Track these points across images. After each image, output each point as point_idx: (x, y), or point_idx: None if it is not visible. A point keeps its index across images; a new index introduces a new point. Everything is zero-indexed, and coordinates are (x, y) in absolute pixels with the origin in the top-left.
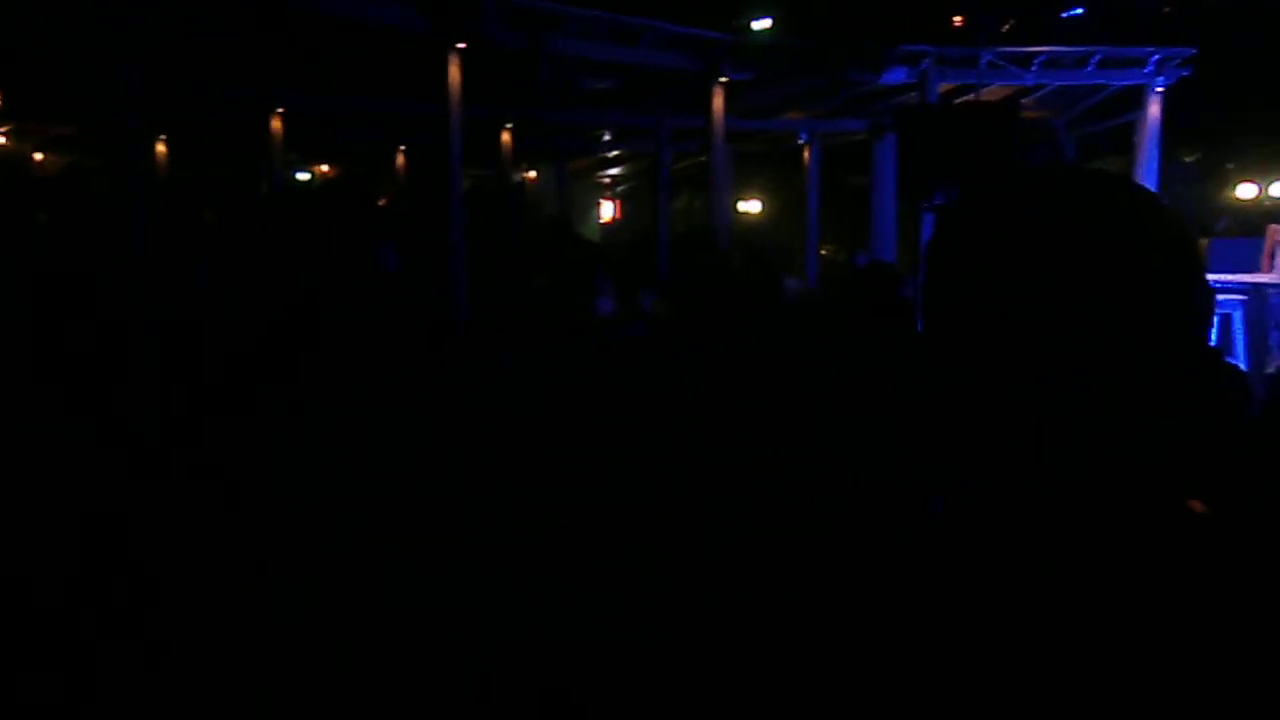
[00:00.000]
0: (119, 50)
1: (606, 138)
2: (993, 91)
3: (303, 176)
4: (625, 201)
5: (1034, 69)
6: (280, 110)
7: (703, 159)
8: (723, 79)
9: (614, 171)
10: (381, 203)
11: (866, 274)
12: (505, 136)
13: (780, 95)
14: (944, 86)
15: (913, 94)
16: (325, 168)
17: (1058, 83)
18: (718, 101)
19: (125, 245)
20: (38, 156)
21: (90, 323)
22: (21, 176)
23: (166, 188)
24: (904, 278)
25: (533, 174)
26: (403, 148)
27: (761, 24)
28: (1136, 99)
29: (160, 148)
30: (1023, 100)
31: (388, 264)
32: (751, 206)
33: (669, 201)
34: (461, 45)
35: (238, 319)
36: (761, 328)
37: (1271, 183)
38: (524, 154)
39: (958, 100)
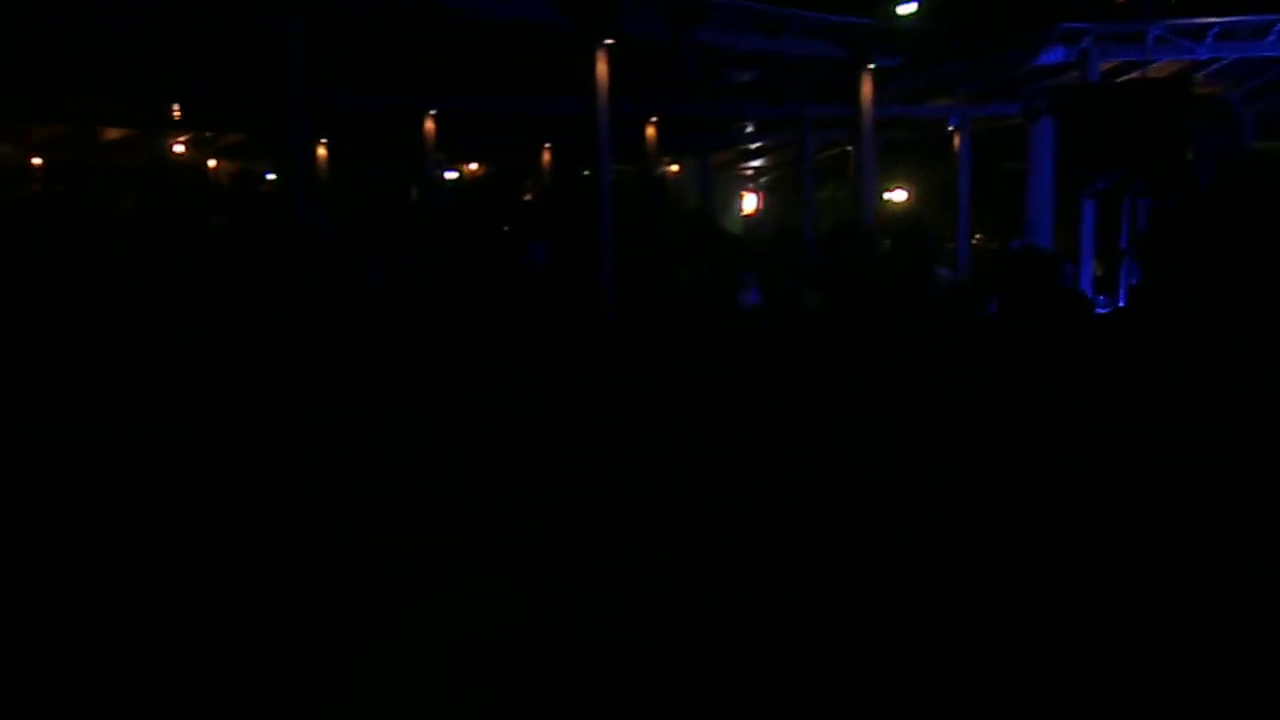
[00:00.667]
0: (283, 59)
1: (749, 129)
2: (1160, 68)
3: (449, 176)
4: (768, 193)
5: (1207, 42)
6: (433, 113)
7: (847, 148)
8: (870, 65)
9: (756, 163)
10: (527, 199)
11: (1019, 258)
12: (650, 131)
13: (929, 80)
14: (1106, 65)
15: (1073, 73)
16: (473, 166)
17: (1234, 55)
18: (866, 89)
19: (292, 243)
20: (211, 163)
21: (266, 316)
22: (199, 182)
23: (328, 189)
24: (1062, 264)
25: (675, 167)
26: (548, 145)
27: (907, 8)
28: None
29: (320, 151)
30: (1194, 76)
31: (538, 258)
32: (897, 195)
33: (813, 192)
34: (609, 42)
35: (402, 312)
36: (914, 318)
37: None
38: (666, 148)
39: (1121, 79)
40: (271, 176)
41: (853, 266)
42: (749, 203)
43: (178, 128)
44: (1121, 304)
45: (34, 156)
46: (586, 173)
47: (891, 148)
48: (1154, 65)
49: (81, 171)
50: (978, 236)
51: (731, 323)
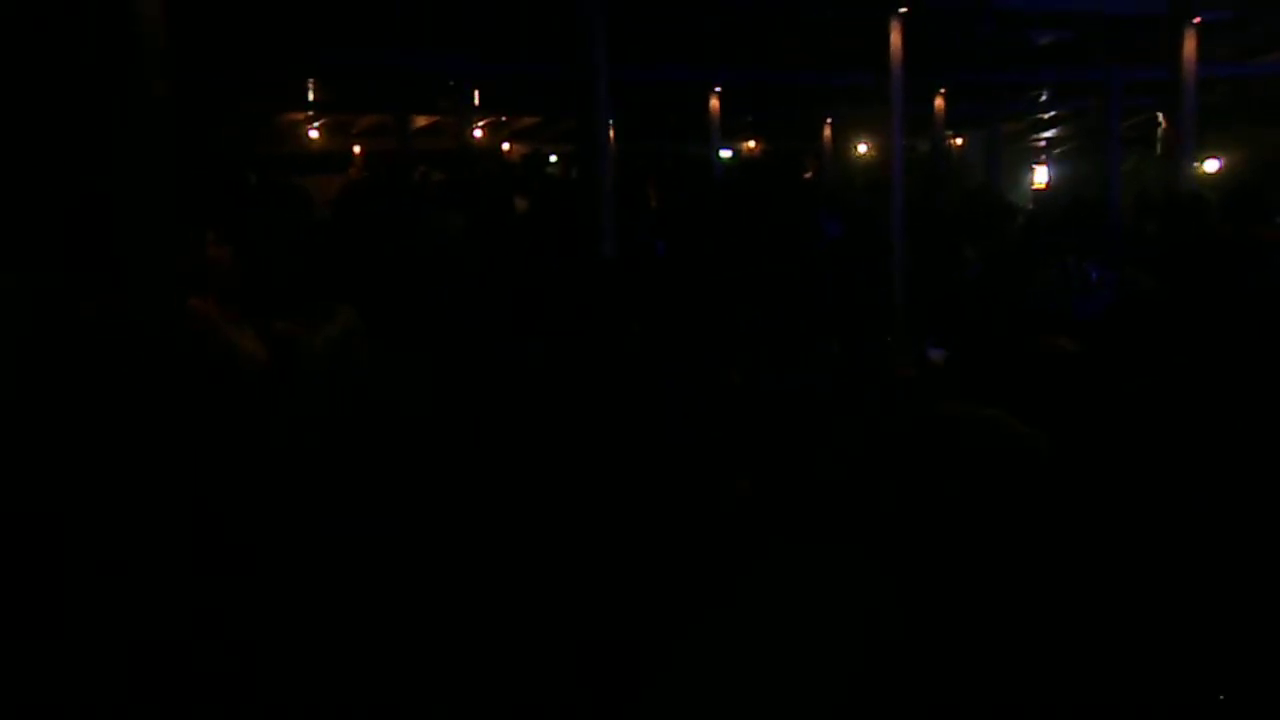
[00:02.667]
0: (573, 43)
1: (1042, 97)
2: None
3: (725, 154)
4: (1060, 165)
5: None
6: (718, 89)
7: (1155, 115)
8: (1195, 20)
9: (1049, 134)
10: (808, 176)
11: None
12: (938, 102)
13: (1263, 35)
14: None
15: None
16: (751, 144)
17: None
18: (1189, 47)
19: (594, 227)
20: (505, 147)
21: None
22: (500, 166)
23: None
24: None
25: (958, 140)
26: (829, 119)
27: None
28: None
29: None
30: None
31: (830, 232)
32: (1208, 165)
33: (1118, 163)
34: (903, 10)
35: (697, 290)
36: (1264, 295)
37: None
38: (953, 119)
39: None
40: (554, 158)
41: (1189, 242)
42: (1040, 175)
43: (478, 113)
44: None
45: (354, 144)
46: (863, 148)
47: (1207, 112)
48: None
49: (395, 157)
50: None
51: (1036, 305)
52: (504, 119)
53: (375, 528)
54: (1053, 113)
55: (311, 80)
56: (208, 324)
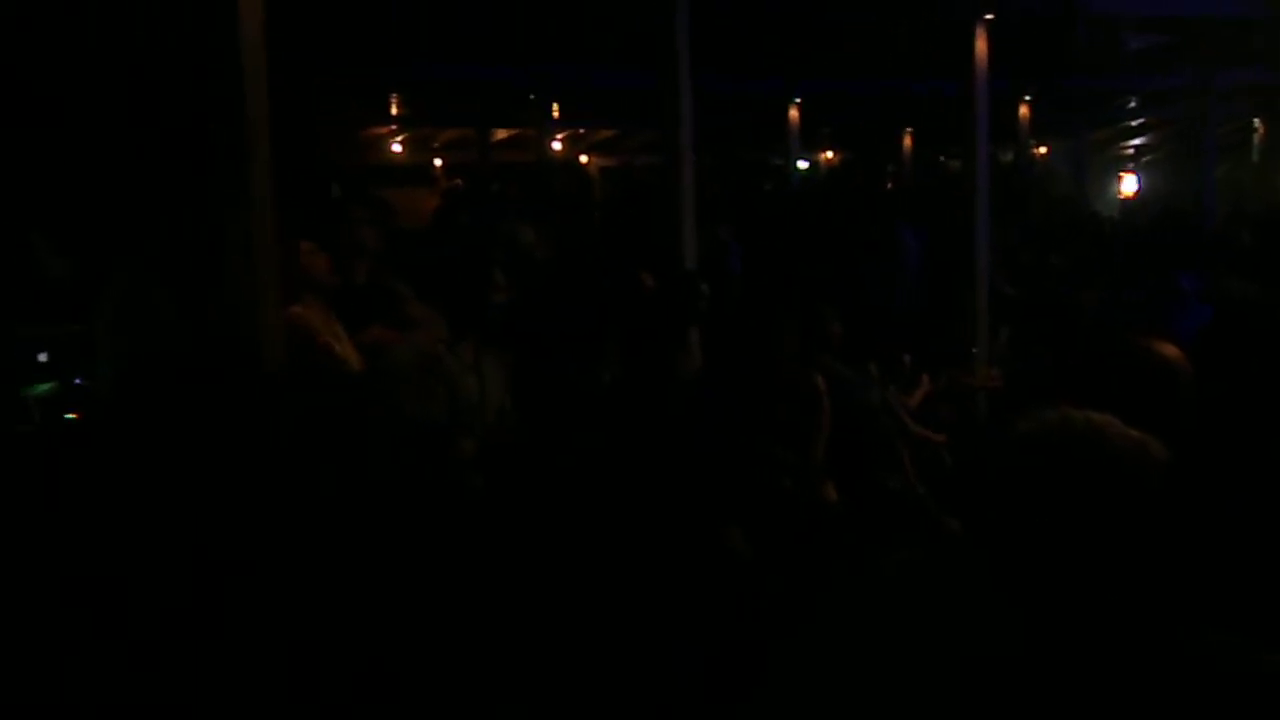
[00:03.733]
0: (656, 55)
1: (1131, 104)
2: None
3: (802, 165)
4: (1149, 174)
5: None
6: (798, 100)
7: (1251, 120)
8: None
9: (1137, 142)
10: (888, 186)
11: None
12: (1023, 110)
13: None
14: None
15: None
16: (829, 154)
17: None
18: None
19: (675, 234)
20: (583, 159)
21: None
22: (578, 179)
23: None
24: None
25: (1042, 149)
26: (909, 129)
27: None
28: None
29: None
30: None
31: (911, 242)
32: None
33: (1213, 170)
34: (989, 16)
35: (768, 303)
36: None
37: None
38: (1038, 128)
39: None
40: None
41: None
42: (1128, 185)
43: (558, 126)
44: None
45: (435, 158)
46: (942, 158)
47: None
48: None
49: (475, 169)
50: None
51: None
52: (581, 131)
53: (465, 530)
54: (1142, 119)
55: (395, 94)
56: (307, 333)
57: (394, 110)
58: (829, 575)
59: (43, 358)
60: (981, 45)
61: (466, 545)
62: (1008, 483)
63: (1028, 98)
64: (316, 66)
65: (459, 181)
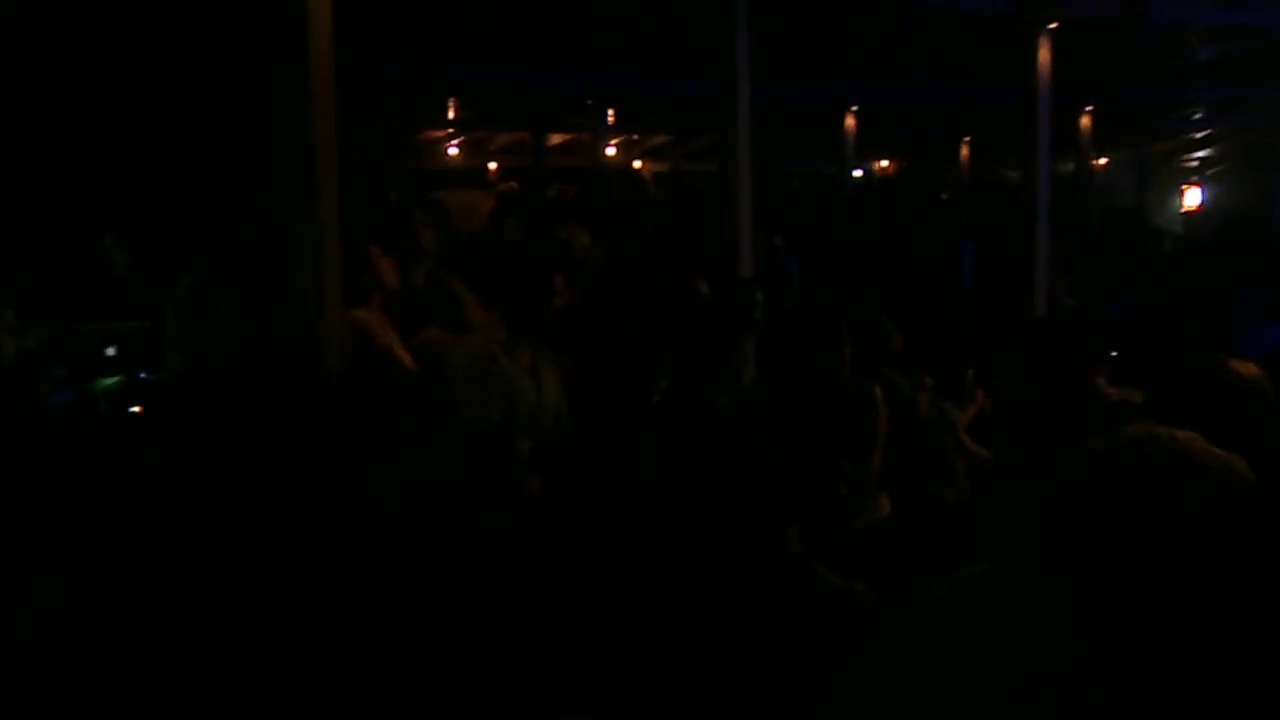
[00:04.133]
0: (715, 62)
1: (1196, 115)
2: None
3: (856, 173)
4: (1213, 187)
5: None
6: (854, 108)
7: None
8: None
9: (1201, 154)
10: (945, 196)
11: None
12: (1084, 121)
13: None
14: None
15: None
16: (884, 163)
17: None
18: None
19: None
20: (636, 164)
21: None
22: (634, 184)
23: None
24: None
25: (1102, 160)
26: (967, 139)
27: None
28: None
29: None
30: None
31: (967, 263)
32: None
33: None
34: (1053, 25)
35: (828, 313)
36: None
37: None
38: (1099, 139)
39: None
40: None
41: None
42: (1191, 198)
43: (612, 131)
44: None
45: (489, 161)
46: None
47: None
48: None
49: (529, 173)
50: None
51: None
52: (635, 137)
53: (521, 532)
54: (1205, 132)
55: (451, 98)
56: (367, 335)
57: (450, 114)
58: (901, 587)
59: (110, 352)
60: (1044, 54)
61: (523, 548)
62: (1084, 499)
63: (1088, 108)
64: (376, 70)
65: (513, 185)
